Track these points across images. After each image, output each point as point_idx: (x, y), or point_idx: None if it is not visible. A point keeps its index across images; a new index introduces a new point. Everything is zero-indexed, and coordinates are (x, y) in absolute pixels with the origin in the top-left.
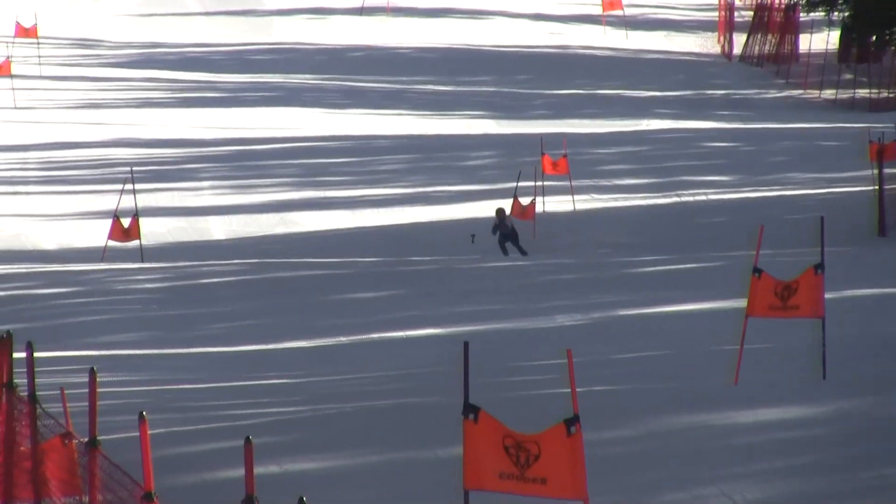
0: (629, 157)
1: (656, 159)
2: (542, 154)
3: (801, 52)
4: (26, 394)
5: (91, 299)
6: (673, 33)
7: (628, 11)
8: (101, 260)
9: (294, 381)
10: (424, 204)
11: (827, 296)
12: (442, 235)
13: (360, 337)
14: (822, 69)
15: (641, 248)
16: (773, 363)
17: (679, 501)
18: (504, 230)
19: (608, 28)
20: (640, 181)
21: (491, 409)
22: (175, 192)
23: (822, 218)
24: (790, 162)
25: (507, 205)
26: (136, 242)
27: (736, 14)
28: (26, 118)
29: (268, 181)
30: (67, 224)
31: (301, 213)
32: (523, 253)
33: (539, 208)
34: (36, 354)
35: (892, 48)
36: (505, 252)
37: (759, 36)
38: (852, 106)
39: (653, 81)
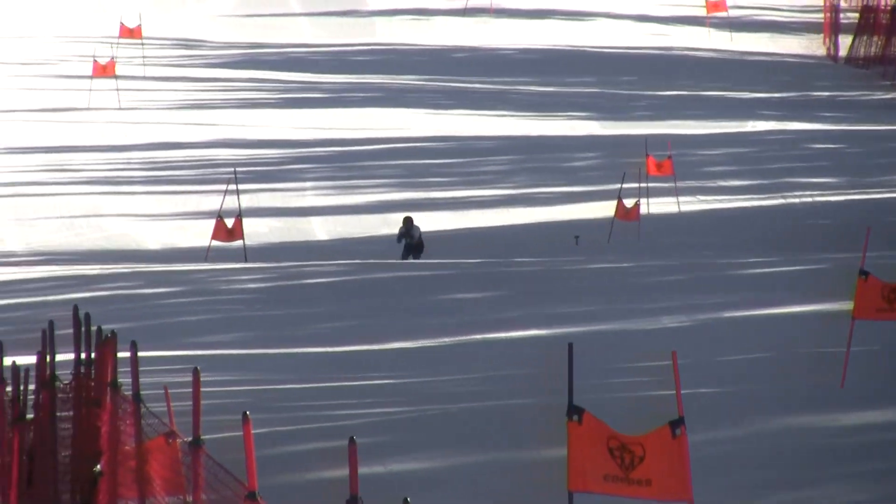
0: (733, 159)
1: (761, 161)
2: (647, 155)
3: None
4: (130, 393)
5: (194, 299)
6: (777, 35)
7: (733, 13)
8: (205, 260)
9: (397, 381)
10: (527, 205)
11: None
12: (545, 237)
13: (463, 338)
14: None
15: (746, 249)
16: (880, 366)
17: (785, 503)
18: (410, 241)
19: (712, 30)
20: (744, 182)
21: (595, 411)
22: (278, 193)
23: None
24: None
25: (611, 206)
26: (239, 242)
27: (841, 15)
28: (130, 119)
29: (370, 182)
30: (171, 224)
31: (403, 214)
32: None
33: (643, 210)
34: (140, 354)
35: None
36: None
37: (864, 37)
38: None
39: (757, 83)
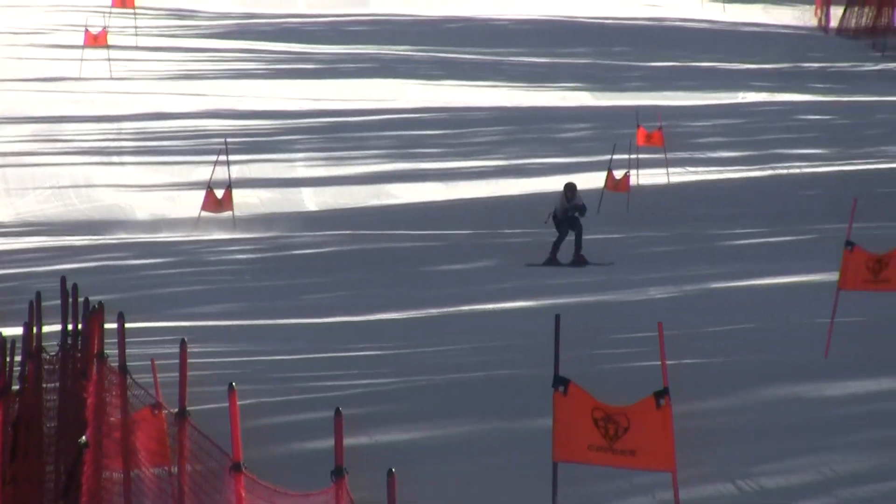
0: (724, 130)
1: (751, 132)
2: (637, 126)
3: None
4: (117, 364)
5: (183, 270)
6: (770, 6)
7: None
8: (195, 231)
9: (385, 352)
10: (518, 176)
11: None
12: (535, 207)
13: (451, 309)
14: None
15: (735, 220)
16: (865, 336)
17: (770, 473)
18: (576, 213)
19: (705, 1)
20: (734, 154)
21: (581, 382)
22: (268, 164)
23: None
24: (886, 135)
25: (601, 177)
26: (228, 213)
27: None
28: (122, 89)
29: (362, 153)
30: (161, 195)
31: (395, 184)
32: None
33: (633, 181)
34: (127, 325)
35: None
36: (554, 249)
37: (855, 8)
38: None
39: (749, 54)
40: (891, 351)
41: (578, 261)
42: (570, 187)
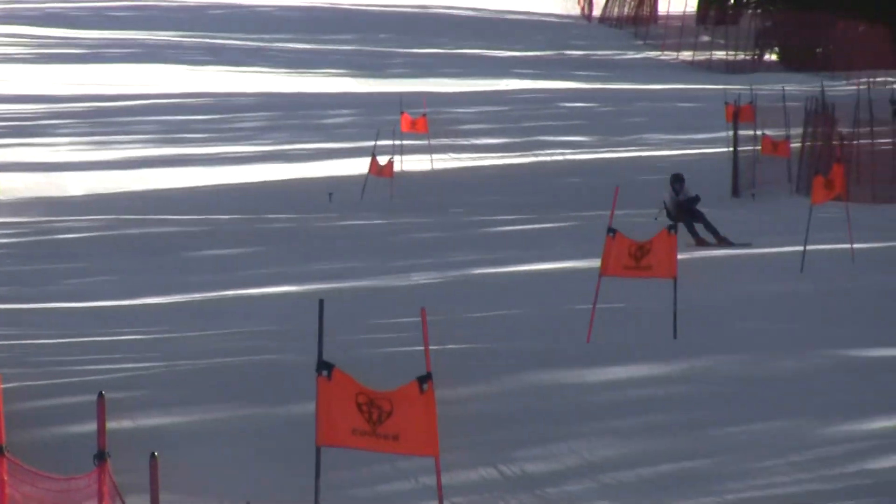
0: (488, 117)
1: (515, 119)
2: (401, 112)
3: (660, 13)
4: None
5: None
6: None
7: None
8: None
9: (149, 337)
10: (283, 161)
11: (680, 256)
12: (300, 193)
13: (216, 294)
14: (680, 31)
15: (498, 207)
16: (626, 322)
17: (531, 458)
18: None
19: None
20: (498, 141)
21: (346, 367)
22: (32, 148)
23: None
24: (647, 123)
25: (365, 163)
26: None
27: None
28: None
29: (126, 138)
30: None
31: (159, 169)
32: (715, 231)
33: (397, 167)
34: None
35: (749, 11)
36: (693, 232)
37: None
38: (709, 68)
39: (513, 42)
40: (650, 337)
41: (721, 243)
42: (676, 178)
